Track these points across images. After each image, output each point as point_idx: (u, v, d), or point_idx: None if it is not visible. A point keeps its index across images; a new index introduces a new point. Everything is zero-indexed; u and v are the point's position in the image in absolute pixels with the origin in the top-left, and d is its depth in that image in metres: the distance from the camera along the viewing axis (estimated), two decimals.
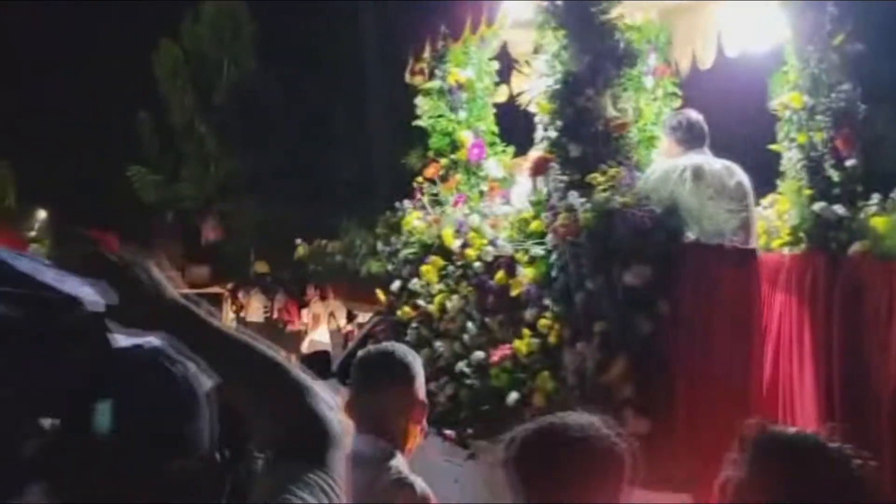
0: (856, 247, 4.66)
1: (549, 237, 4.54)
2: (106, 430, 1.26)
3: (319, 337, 13.72)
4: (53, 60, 20.14)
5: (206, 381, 1.35)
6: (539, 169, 4.77)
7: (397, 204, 5.88)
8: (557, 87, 4.70)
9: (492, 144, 5.93)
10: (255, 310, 16.69)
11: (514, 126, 6.08)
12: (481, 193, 5.76)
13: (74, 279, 1.61)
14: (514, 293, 4.73)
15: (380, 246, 6.00)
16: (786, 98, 5.07)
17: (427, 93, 5.91)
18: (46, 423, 1.28)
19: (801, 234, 4.93)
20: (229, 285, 17.71)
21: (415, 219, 5.67)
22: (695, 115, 5.29)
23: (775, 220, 5.26)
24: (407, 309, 5.56)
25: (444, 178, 5.81)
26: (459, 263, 5.22)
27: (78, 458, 1.26)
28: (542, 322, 4.50)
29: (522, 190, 5.53)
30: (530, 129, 5.03)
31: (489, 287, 4.92)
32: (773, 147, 5.19)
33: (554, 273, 4.48)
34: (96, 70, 18.96)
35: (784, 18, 5.13)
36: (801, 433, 2.04)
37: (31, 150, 20.04)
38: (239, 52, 18.99)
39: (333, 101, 17.95)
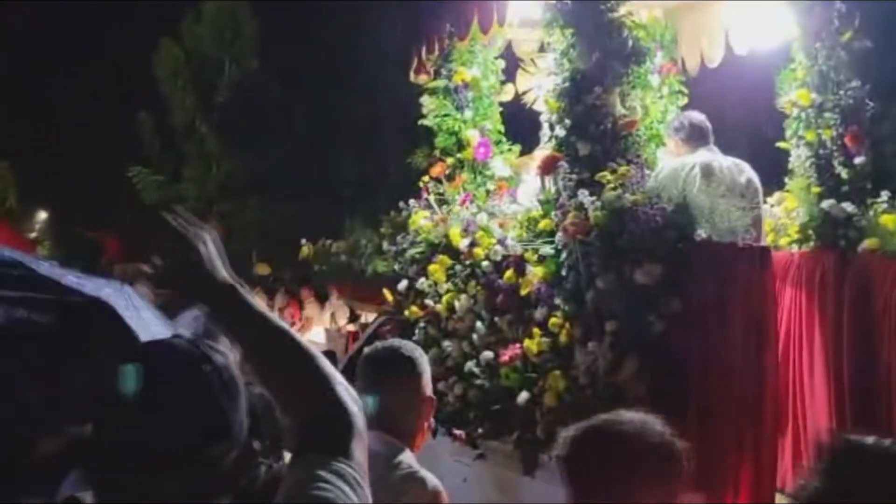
0: (865, 244, 4.66)
1: (559, 236, 4.53)
2: (142, 425, 1.26)
3: (313, 338, 13.70)
4: (54, 60, 20.09)
5: (239, 375, 1.37)
6: (548, 167, 4.76)
7: (402, 204, 5.88)
8: (566, 85, 4.70)
9: (498, 143, 5.93)
10: None
11: (518, 125, 6.07)
12: (488, 192, 5.76)
13: (94, 281, 1.61)
14: (523, 292, 4.71)
15: (385, 245, 5.99)
16: (794, 95, 5.07)
17: (433, 91, 5.91)
18: (81, 425, 1.28)
19: (810, 232, 4.93)
20: None
21: (421, 218, 5.67)
22: (696, 115, 5.28)
23: (783, 217, 5.25)
24: (414, 308, 5.55)
25: (450, 177, 5.81)
26: (467, 263, 5.21)
27: (118, 454, 1.26)
28: (553, 321, 4.47)
29: (529, 189, 5.52)
30: (535, 129, 5.02)
31: (498, 286, 4.90)
32: (781, 145, 5.20)
33: (564, 272, 4.46)
34: (97, 70, 18.90)
35: (792, 16, 5.13)
36: (879, 442, 1.99)
37: (32, 151, 20.01)
38: (240, 52, 18.90)
39: (336, 101, 17.90)
